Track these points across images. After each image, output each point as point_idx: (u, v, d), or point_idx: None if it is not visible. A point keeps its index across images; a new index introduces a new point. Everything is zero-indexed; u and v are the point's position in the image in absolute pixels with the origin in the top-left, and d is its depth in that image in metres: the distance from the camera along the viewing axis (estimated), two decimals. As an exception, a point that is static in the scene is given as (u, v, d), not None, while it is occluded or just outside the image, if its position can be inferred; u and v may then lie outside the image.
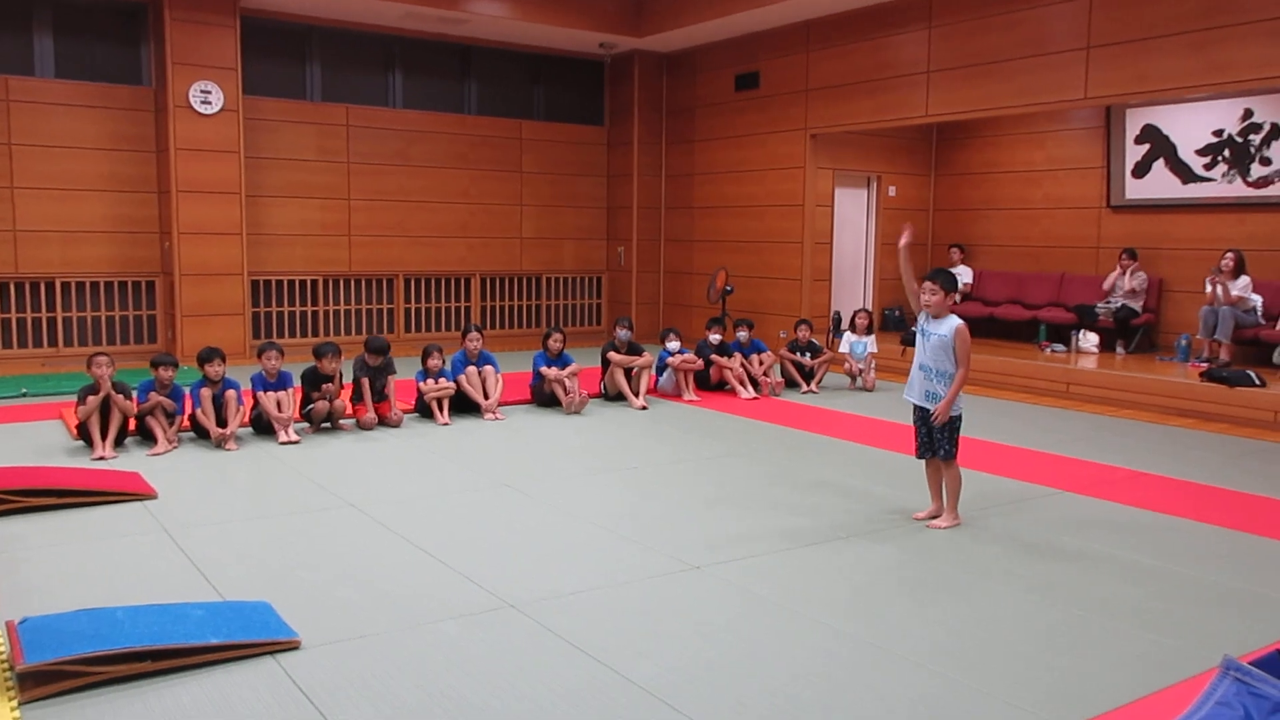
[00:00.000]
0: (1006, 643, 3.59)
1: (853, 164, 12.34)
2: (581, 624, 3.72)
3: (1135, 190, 10.81)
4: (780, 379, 9.38)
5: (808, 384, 9.37)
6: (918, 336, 5.08)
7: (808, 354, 9.55)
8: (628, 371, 8.56)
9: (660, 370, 8.97)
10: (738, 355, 9.22)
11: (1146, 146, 10.66)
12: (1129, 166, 10.82)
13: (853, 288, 12.74)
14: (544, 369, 8.26)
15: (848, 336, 9.79)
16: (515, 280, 13.26)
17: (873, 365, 9.61)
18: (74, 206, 10.39)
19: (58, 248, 10.35)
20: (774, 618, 3.82)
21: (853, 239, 12.71)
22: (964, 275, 12.10)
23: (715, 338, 9.22)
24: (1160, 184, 10.57)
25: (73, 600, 3.86)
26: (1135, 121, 10.72)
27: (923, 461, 5.16)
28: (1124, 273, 10.30)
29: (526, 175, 13.14)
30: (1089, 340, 10.25)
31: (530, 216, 13.23)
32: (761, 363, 9.28)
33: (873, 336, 9.76)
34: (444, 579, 4.20)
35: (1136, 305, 10.25)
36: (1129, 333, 10.20)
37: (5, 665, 3.26)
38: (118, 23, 10.62)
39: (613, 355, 8.60)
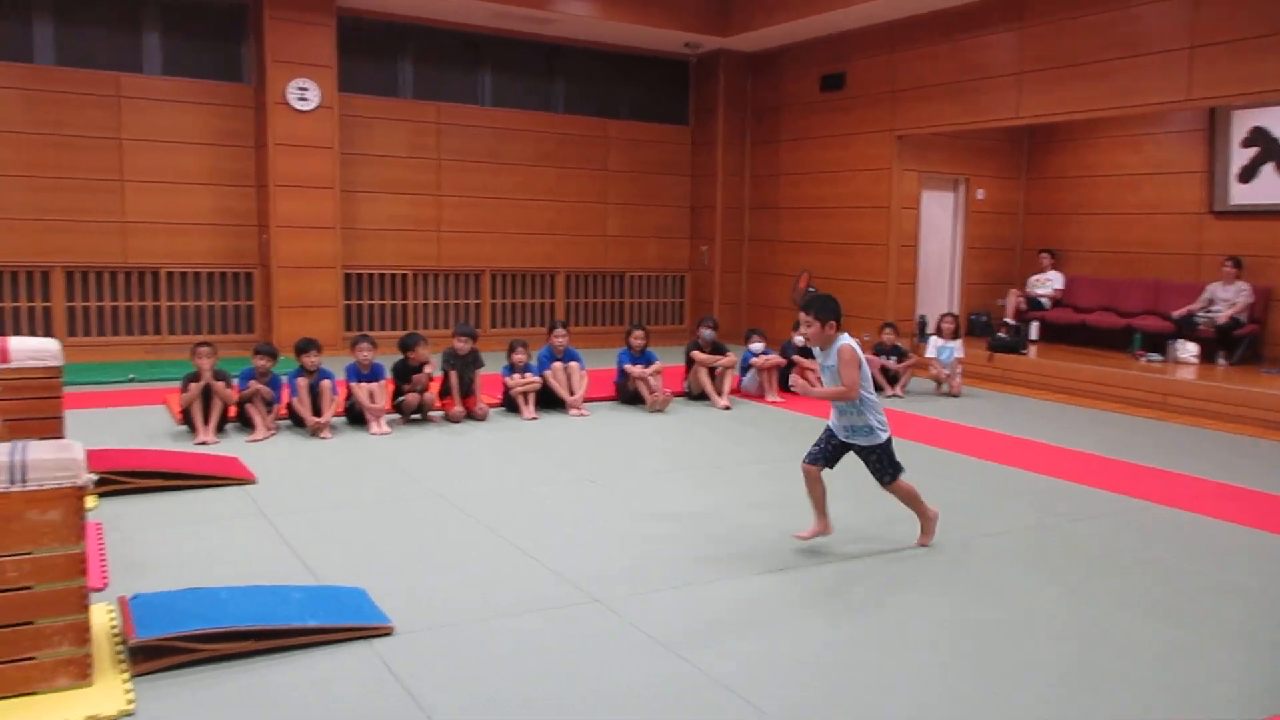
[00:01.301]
0: (1118, 661, 3.51)
1: (940, 166, 12.14)
2: (665, 621, 3.74)
3: (1241, 195, 10.42)
4: (864, 382, 9.27)
5: (892, 387, 9.26)
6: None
7: (893, 357, 9.43)
8: (711, 371, 8.57)
9: (744, 370, 8.96)
10: (821, 357, 9.15)
11: (1255, 150, 10.26)
12: (1234, 170, 10.43)
13: (938, 291, 12.53)
14: (628, 366, 8.32)
15: (934, 341, 9.64)
16: (599, 278, 13.36)
17: (959, 370, 9.46)
18: (179, 199, 10.79)
19: (163, 239, 10.77)
20: (856, 621, 3.80)
21: (939, 242, 12.50)
22: (1054, 281, 11.80)
23: (800, 339, 9.16)
24: (1269, 189, 10.16)
25: (178, 578, 4.02)
26: (1242, 123, 10.33)
27: (813, 468, 4.67)
28: (1223, 283, 9.95)
29: (611, 174, 13.23)
30: (1187, 350, 9.91)
31: (615, 215, 13.32)
32: (845, 365, 9.19)
33: (959, 341, 9.59)
34: (529, 571, 4.27)
35: (1241, 315, 9.88)
36: (1232, 344, 9.83)
37: (118, 639, 3.42)
38: (221, 21, 11.00)
39: (697, 354, 8.62)
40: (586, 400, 8.14)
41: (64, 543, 3.09)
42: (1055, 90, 9.70)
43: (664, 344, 11.43)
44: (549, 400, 8.00)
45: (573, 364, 8.14)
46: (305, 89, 10.76)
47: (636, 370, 8.28)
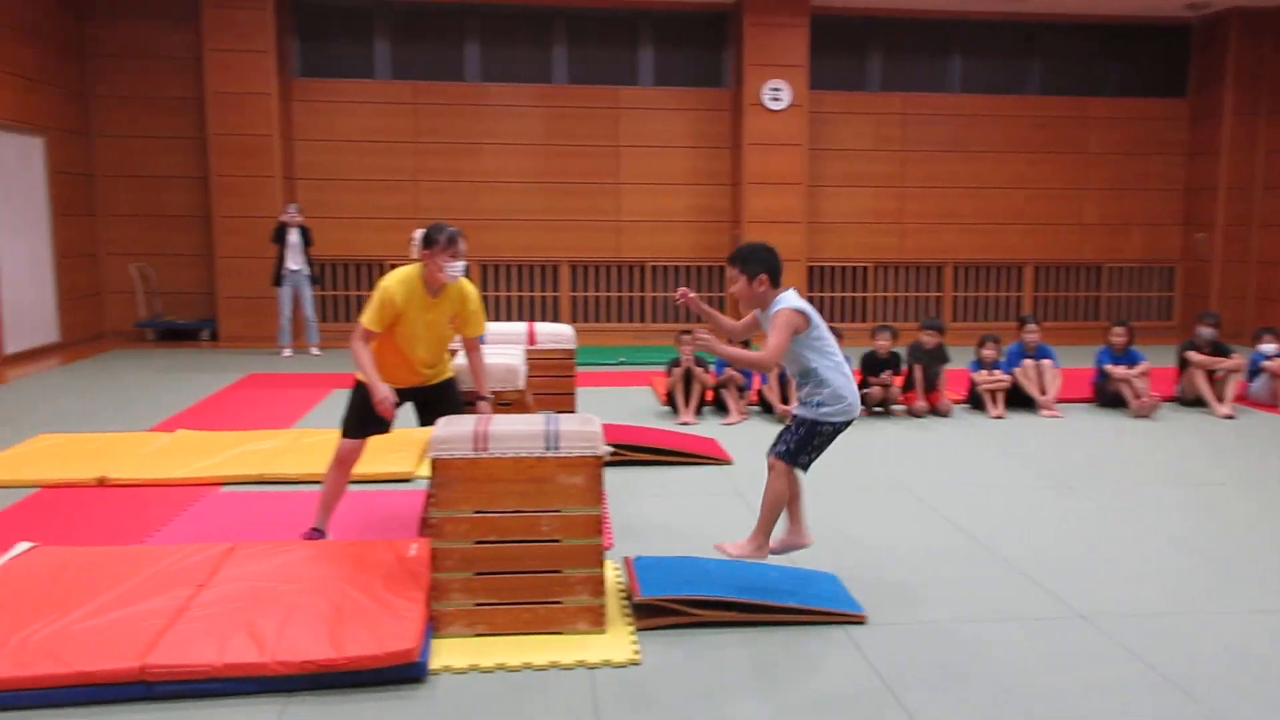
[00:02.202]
0: None
1: None
2: (1164, 649, 3.44)
3: None
4: None
5: None
6: None
7: None
8: (1211, 374, 7.64)
9: (1252, 375, 7.87)
10: (1357, 364, 7.76)
11: None
12: None
13: None
14: (1109, 366, 7.69)
15: None
16: (1073, 270, 12.44)
17: None
18: (663, 199, 11.82)
19: (649, 235, 11.86)
20: None
21: None
22: None
23: (1322, 341, 7.85)
24: None
25: (665, 545, 4.43)
26: None
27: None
28: None
29: (1091, 156, 12.23)
30: None
31: (1092, 201, 12.32)
32: (1393, 374, 7.71)
33: None
34: (1002, 576, 4.13)
35: None
36: None
37: (623, 595, 3.86)
38: (704, 31, 11.82)
39: (1193, 355, 7.73)
40: (1059, 401, 7.66)
41: (586, 504, 3.56)
42: None
43: (1147, 342, 10.36)
44: (1017, 399, 7.63)
45: (1045, 361, 7.70)
46: (778, 89, 11.22)
47: (1119, 371, 7.62)
